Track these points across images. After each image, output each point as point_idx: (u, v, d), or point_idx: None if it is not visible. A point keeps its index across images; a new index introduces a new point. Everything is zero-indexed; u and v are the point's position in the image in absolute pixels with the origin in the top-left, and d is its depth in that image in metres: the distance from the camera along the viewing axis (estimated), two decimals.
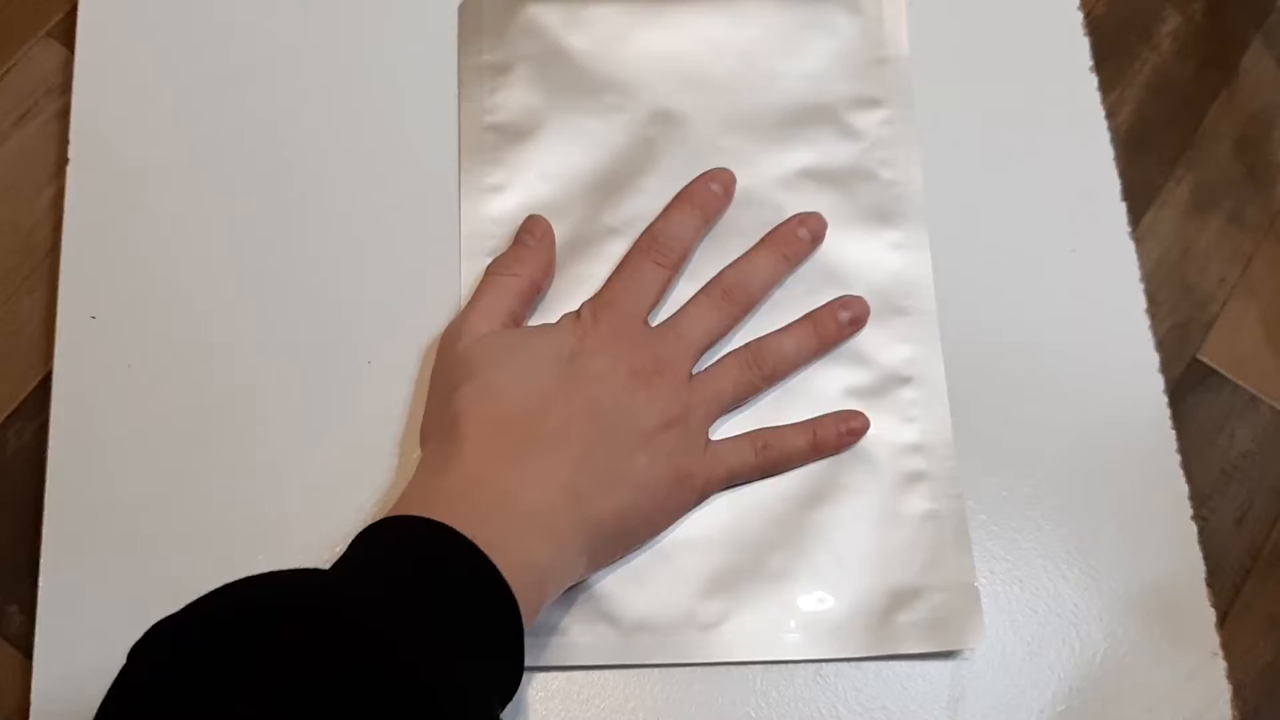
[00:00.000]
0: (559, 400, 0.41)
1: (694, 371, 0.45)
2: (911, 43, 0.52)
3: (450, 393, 0.42)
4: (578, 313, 0.46)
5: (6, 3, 0.53)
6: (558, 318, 0.46)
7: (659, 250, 0.47)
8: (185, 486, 0.45)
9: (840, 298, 0.48)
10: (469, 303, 0.46)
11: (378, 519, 0.38)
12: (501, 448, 0.40)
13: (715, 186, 0.48)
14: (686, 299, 0.47)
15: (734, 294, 0.47)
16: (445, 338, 0.45)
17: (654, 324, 0.46)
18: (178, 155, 0.49)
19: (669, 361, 0.44)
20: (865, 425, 0.46)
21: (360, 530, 0.38)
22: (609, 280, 0.47)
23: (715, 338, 0.46)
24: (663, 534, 0.44)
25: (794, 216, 0.48)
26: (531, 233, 0.47)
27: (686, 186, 0.48)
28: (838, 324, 0.47)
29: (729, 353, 0.46)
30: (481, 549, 0.36)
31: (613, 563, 0.43)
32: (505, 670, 0.37)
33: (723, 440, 0.45)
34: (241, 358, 0.47)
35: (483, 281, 0.46)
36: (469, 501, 0.38)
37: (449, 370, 0.44)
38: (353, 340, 0.47)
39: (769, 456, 0.45)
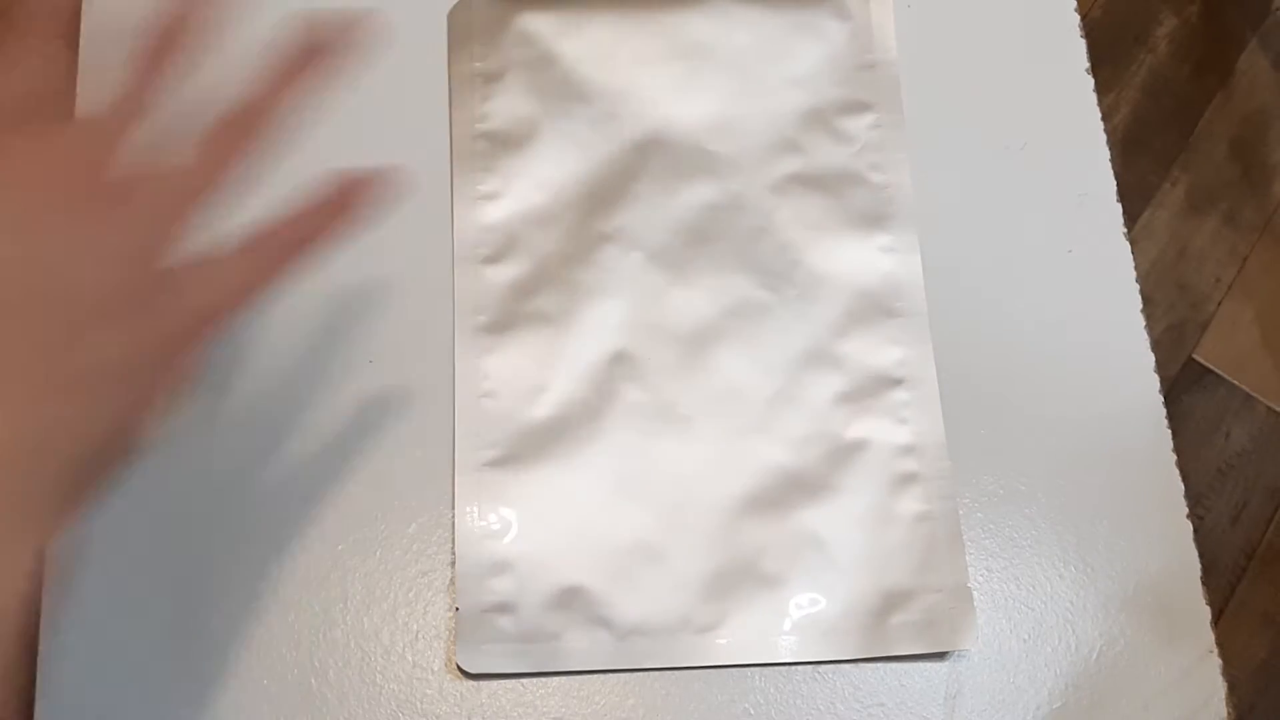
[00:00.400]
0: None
1: None
2: (907, 45, 0.53)
3: None
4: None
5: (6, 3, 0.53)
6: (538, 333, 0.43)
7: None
8: (185, 486, 0.45)
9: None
10: None
11: None
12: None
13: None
14: (680, 301, 0.47)
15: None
16: None
17: None
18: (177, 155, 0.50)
19: (133, 222, 0.33)
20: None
21: None
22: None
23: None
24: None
25: None
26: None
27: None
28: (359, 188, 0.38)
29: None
30: None
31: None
32: None
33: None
34: (240, 358, 0.47)
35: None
36: None
37: None
38: (352, 341, 0.47)
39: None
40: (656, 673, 0.44)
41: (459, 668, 0.43)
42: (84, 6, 0.52)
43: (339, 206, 0.35)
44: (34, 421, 0.28)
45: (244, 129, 0.34)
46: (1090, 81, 0.53)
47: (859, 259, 0.49)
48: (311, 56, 0.35)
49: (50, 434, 0.29)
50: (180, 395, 0.33)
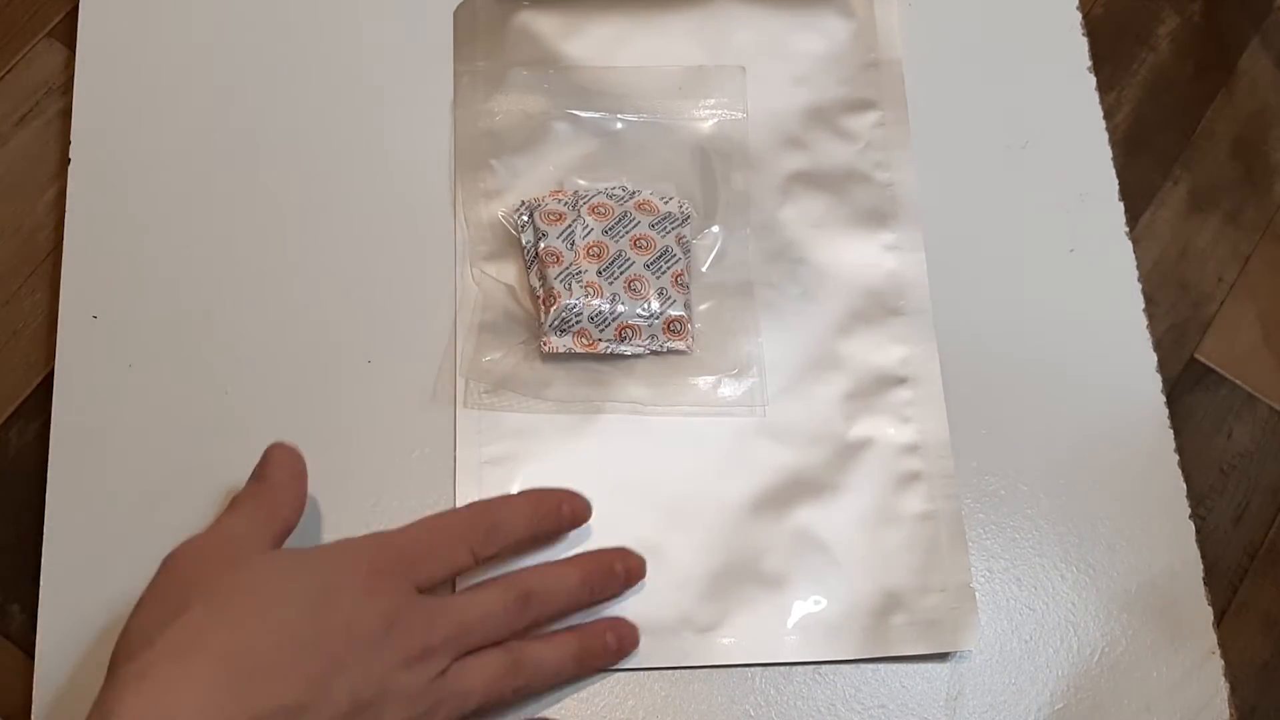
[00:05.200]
0: (309, 655, 0.35)
1: None
2: (911, 43, 0.53)
3: (174, 613, 0.35)
4: (354, 542, 0.40)
5: (7, 3, 0.53)
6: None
7: (483, 529, 0.41)
8: (185, 486, 0.45)
9: (611, 619, 0.43)
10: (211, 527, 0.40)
11: None
12: (225, 713, 0.33)
13: (565, 509, 0.43)
14: None
15: (531, 603, 0.41)
16: (175, 555, 0.39)
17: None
18: (178, 156, 0.50)
19: (437, 649, 0.38)
20: (632, 635, 0.43)
21: None
22: (408, 528, 0.41)
23: (490, 640, 0.40)
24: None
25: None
26: (279, 466, 0.42)
27: (544, 492, 0.44)
28: (604, 646, 0.42)
29: (490, 650, 0.40)
30: None
31: None
32: None
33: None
34: (241, 358, 0.47)
35: (229, 509, 0.41)
36: None
37: (181, 584, 0.37)
38: (352, 341, 0.47)
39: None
40: (656, 673, 0.44)
41: None
42: (81, 6, 0.52)
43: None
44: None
45: (525, 664, 0.41)
46: (1092, 80, 0.53)
47: (863, 257, 0.49)
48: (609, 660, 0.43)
49: None
50: None
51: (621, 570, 0.43)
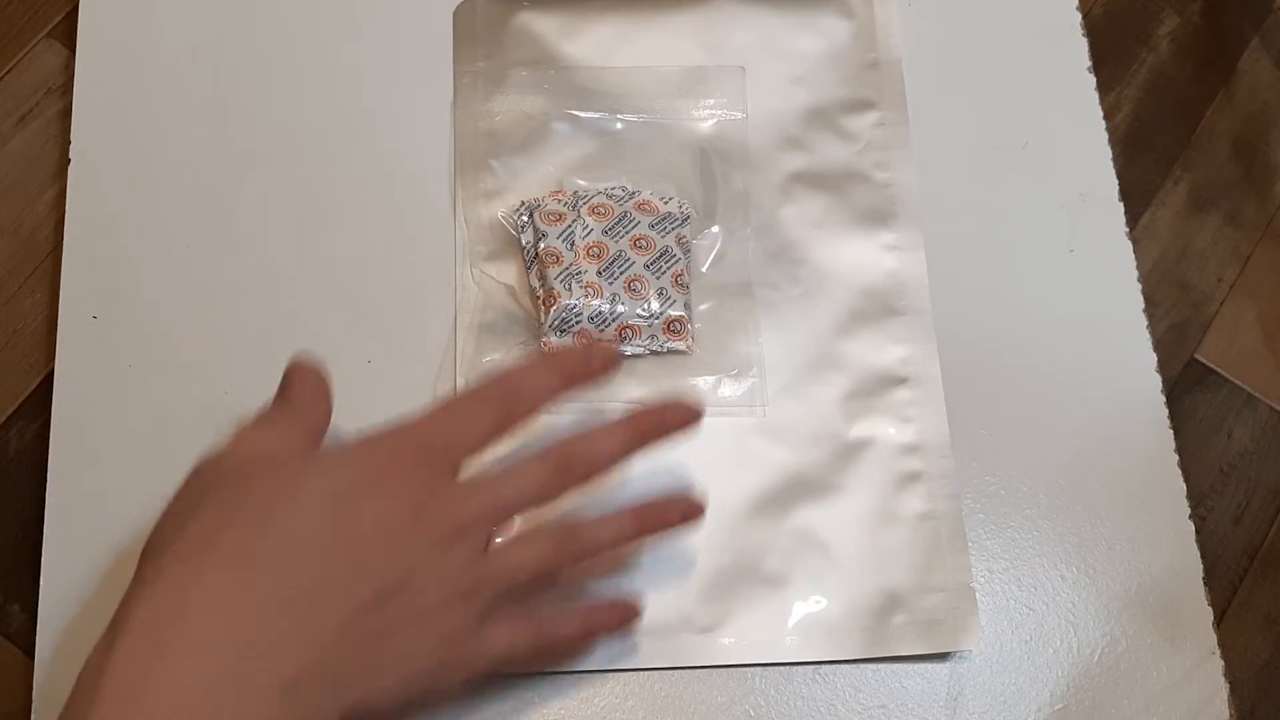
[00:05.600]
0: (323, 552, 0.34)
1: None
2: (910, 43, 0.53)
3: (185, 517, 0.35)
4: (371, 439, 0.38)
5: (7, 3, 0.53)
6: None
7: (502, 398, 0.39)
8: None
9: (675, 494, 0.42)
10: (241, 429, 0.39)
11: None
12: (235, 609, 0.33)
13: (594, 363, 0.41)
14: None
15: (572, 466, 0.39)
16: (197, 467, 0.38)
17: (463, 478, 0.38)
18: (177, 156, 0.50)
19: (469, 526, 0.37)
20: (635, 610, 0.42)
21: None
22: (426, 411, 0.39)
23: (532, 507, 0.39)
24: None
25: (667, 497, 0.42)
26: (302, 384, 0.40)
27: (565, 350, 0.43)
28: (664, 518, 0.41)
29: (539, 528, 0.40)
30: None
31: None
32: None
33: (497, 621, 0.38)
34: (241, 358, 0.47)
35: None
36: (190, 686, 0.31)
37: (199, 492, 0.37)
38: (352, 340, 0.47)
39: (545, 641, 0.40)
40: (656, 673, 0.44)
41: None
42: (81, 6, 0.52)
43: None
44: (347, 673, 0.34)
45: (577, 537, 0.40)
46: (1092, 80, 0.53)
47: (863, 257, 0.49)
48: (666, 526, 0.41)
49: (352, 689, 0.34)
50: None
51: (675, 418, 0.40)
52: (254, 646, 0.32)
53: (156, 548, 0.36)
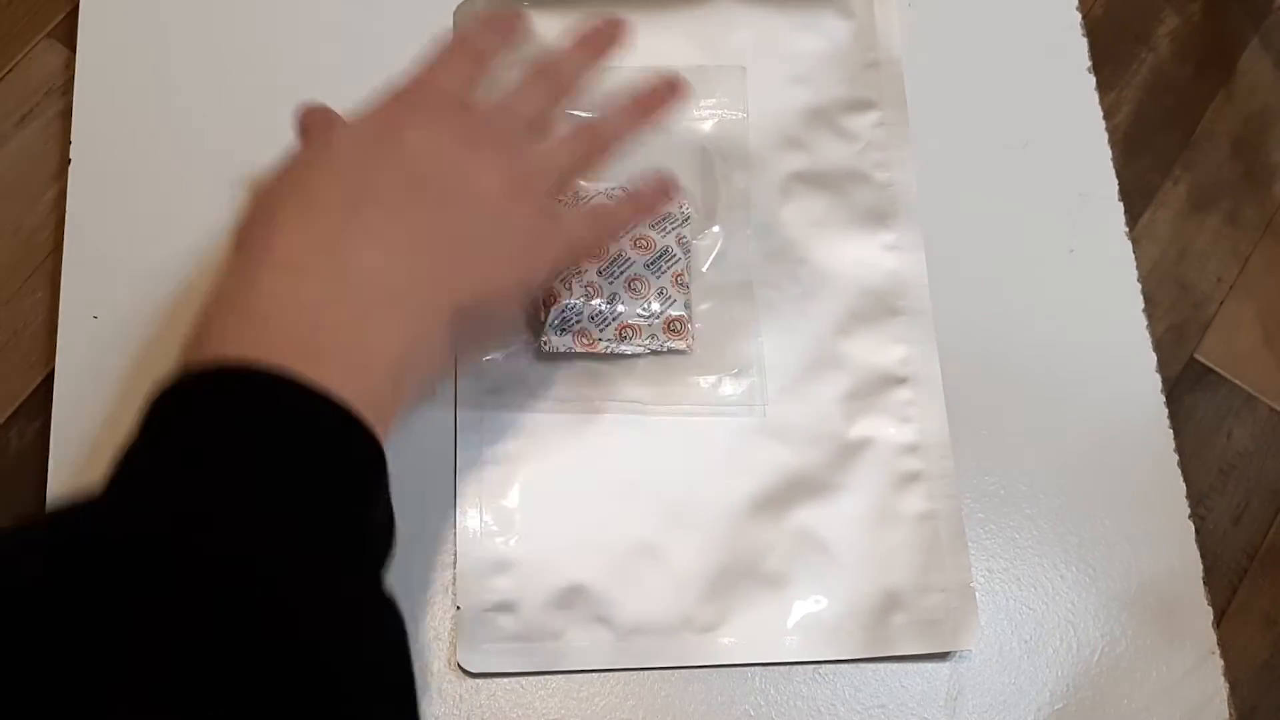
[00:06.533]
0: (381, 178, 0.36)
1: None
2: (911, 43, 0.53)
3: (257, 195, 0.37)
4: (378, 102, 0.40)
5: (7, 3, 0.53)
6: None
7: (489, 34, 0.42)
8: None
9: (661, 76, 0.43)
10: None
11: (172, 376, 0.32)
12: (322, 230, 0.34)
13: (606, 29, 0.43)
14: None
15: (550, 74, 0.42)
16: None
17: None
18: (178, 156, 0.50)
19: (499, 132, 0.39)
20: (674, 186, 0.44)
21: (153, 402, 0.31)
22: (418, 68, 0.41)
23: (544, 120, 0.41)
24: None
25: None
26: (314, 119, 0.42)
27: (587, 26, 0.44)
28: (660, 99, 0.43)
29: (564, 135, 0.42)
30: (316, 382, 0.30)
31: (472, 354, 0.39)
32: (379, 527, 0.32)
33: (560, 214, 0.42)
34: None
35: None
36: (290, 300, 0.32)
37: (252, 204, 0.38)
38: None
39: (601, 219, 0.43)
40: (656, 673, 0.44)
41: (460, 667, 0.43)
42: (81, 6, 0.52)
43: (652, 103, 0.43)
44: (439, 267, 0.35)
45: (597, 133, 0.42)
46: (1092, 80, 0.53)
47: (863, 257, 0.49)
48: (661, 102, 0.43)
49: (450, 280, 0.36)
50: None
51: (669, 91, 0.43)
52: (342, 255, 0.34)
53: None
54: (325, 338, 0.32)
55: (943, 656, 0.45)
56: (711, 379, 0.47)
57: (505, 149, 0.39)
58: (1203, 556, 0.47)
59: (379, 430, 0.32)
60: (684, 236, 0.48)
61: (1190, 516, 0.47)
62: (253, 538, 0.27)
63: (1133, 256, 0.51)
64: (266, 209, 0.35)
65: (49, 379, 0.46)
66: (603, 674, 0.43)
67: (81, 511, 0.28)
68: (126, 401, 0.46)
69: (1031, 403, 0.48)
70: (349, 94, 0.51)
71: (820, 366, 0.48)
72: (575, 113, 0.45)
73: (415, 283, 0.35)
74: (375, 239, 0.34)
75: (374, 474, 0.32)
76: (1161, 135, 0.55)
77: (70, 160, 0.49)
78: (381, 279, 0.34)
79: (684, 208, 0.49)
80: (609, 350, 0.46)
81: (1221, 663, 0.45)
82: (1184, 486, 0.47)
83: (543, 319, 0.46)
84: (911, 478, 0.46)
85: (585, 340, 0.46)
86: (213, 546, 0.27)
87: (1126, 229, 0.51)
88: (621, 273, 0.47)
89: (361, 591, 0.30)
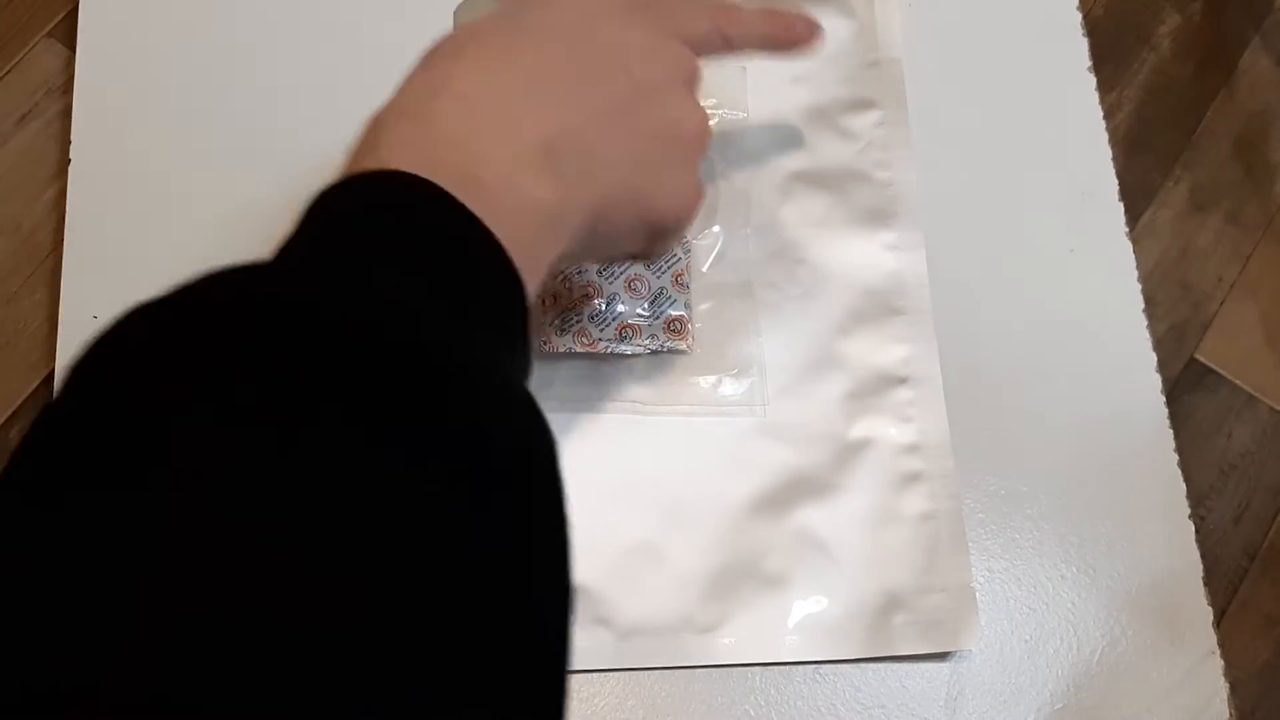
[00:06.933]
0: (577, 59, 0.37)
1: None
2: (911, 43, 0.53)
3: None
4: None
5: (7, 3, 0.53)
6: None
7: (725, 26, 0.42)
8: None
9: (801, 14, 0.44)
10: None
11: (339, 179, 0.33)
12: (508, 84, 0.35)
13: (804, 27, 0.44)
14: None
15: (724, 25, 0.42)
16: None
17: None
18: (179, 155, 0.50)
19: (669, 34, 0.40)
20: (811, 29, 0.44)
21: (320, 197, 0.33)
22: None
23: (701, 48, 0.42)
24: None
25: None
26: None
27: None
28: (795, 31, 0.44)
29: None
30: (470, 206, 0.31)
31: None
32: (521, 350, 0.32)
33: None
34: None
35: None
36: (460, 133, 0.33)
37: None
38: None
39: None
40: (656, 673, 0.44)
41: None
42: (81, 6, 0.52)
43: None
44: (600, 145, 0.36)
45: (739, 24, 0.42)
46: (1092, 80, 0.53)
47: (864, 257, 0.49)
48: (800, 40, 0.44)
49: (607, 160, 0.36)
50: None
51: (806, 29, 0.43)
52: (515, 105, 0.34)
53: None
54: (489, 174, 0.32)
55: (943, 657, 0.45)
56: (711, 379, 0.47)
57: (677, 45, 0.40)
58: (1203, 556, 0.47)
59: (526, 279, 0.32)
60: (684, 236, 0.48)
61: (1190, 516, 0.47)
62: (438, 329, 0.28)
63: (1133, 256, 0.51)
64: (461, 43, 0.36)
65: (49, 379, 0.46)
66: (603, 674, 0.43)
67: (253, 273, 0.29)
68: None
69: (1032, 403, 0.48)
70: (349, 94, 0.51)
71: (820, 366, 0.48)
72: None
73: (579, 158, 0.35)
74: (556, 111, 0.35)
75: (523, 316, 0.32)
76: (1162, 135, 0.55)
77: (70, 160, 0.49)
78: (548, 143, 0.34)
79: None
80: (609, 350, 0.46)
81: (1222, 663, 0.45)
82: (1184, 486, 0.47)
83: (543, 319, 0.46)
84: (912, 478, 0.46)
85: (585, 340, 0.46)
86: (406, 331, 0.26)
87: (1127, 229, 0.51)
88: (621, 272, 0.47)
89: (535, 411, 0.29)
